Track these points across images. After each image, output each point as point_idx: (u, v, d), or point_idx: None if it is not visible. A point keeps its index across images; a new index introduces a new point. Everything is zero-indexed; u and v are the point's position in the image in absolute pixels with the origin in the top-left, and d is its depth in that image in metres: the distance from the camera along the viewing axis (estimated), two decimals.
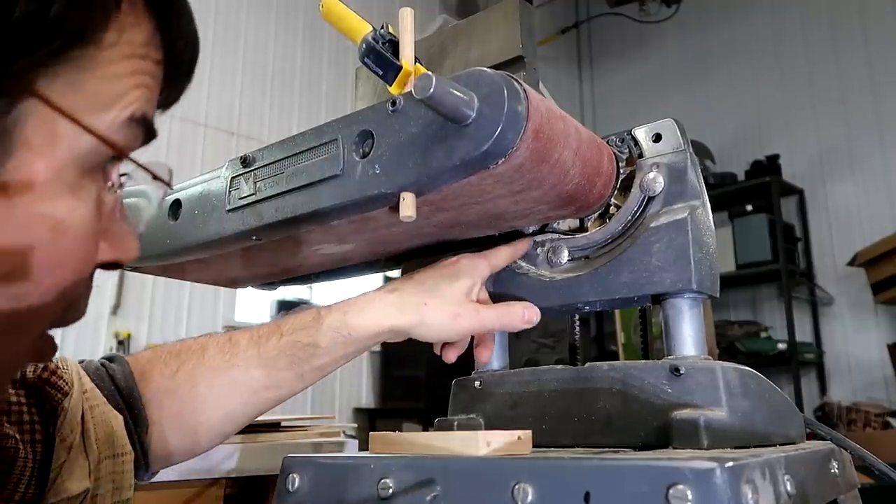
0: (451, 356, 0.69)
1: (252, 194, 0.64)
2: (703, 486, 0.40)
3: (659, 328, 0.84)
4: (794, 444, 0.62)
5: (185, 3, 0.41)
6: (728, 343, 4.38)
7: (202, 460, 0.85)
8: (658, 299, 0.62)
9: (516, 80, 0.51)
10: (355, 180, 0.56)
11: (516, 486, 0.46)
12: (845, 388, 4.43)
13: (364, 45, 0.70)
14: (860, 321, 4.46)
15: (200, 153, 3.73)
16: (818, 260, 4.67)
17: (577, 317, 1.12)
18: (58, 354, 0.46)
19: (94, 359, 0.65)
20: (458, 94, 0.49)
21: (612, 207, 0.66)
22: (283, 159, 0.63)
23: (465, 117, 0.50)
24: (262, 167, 0.64)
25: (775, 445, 0.59)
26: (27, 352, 0.41)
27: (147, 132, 0.39)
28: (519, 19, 0.69)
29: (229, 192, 0.66)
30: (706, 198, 0.63)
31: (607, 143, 0.65)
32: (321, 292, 4.02)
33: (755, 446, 0.56)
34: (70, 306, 0.40)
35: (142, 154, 0.40)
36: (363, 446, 0.81)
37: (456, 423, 0.69)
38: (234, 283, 0.86)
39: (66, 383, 0.57)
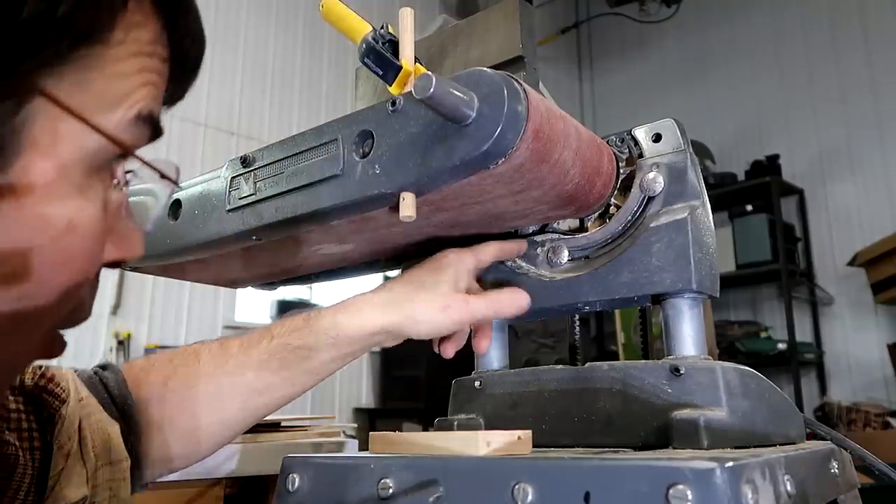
0: (448, 351, 0.69)
1: (252, 194, 0.64)
2: (703, 486, 0.40)
3: (659, 328, 0.84)
4: (794, 444, 0.62)
5: (192, 0, 0.41)
6: (728, 343, 4.38)
7: (202, 461, 0.85)
8: (658, 299, 0.62)
9: (516, 80, 0.51)
10: (355, 180, 0.56)
11: (516, 486, 0.46)
12: (845, 388, 4.44)
13: (364, 45, 0.70)
14: (860, 321, 4.46)
15: (200, 153, 3.73)
16: (818, 260, 4.67)
17: (577, 317, 1.12)
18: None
19: (94, 360, 0.65)
20: (458, 94, 0.49)
21: (612, 207, 0.66)
22: (283, 159, 0.63)
23: (465, 117, 0.50)
24: (262, 167, 0.64)
25: (775, 445, 0.59)
26: (36, 349, 0.40)
27: (154, 130, 0.39)
28: (519, 19, 0.69)
29: (229, 192, 0.66)
30: (706, 198, 0.63)
31: (607, 143, 0.65)
32: (321, 292, 4.03)
33: (755, 446, 0.56)
34: (77, 307, 0.40)
35: (142, 154, 0.40)
36: (363, 446, 0.81)
37: (456, 423, 0.69)
38: (234, 283, 0.86)
39: (63, 391, 0.57)
